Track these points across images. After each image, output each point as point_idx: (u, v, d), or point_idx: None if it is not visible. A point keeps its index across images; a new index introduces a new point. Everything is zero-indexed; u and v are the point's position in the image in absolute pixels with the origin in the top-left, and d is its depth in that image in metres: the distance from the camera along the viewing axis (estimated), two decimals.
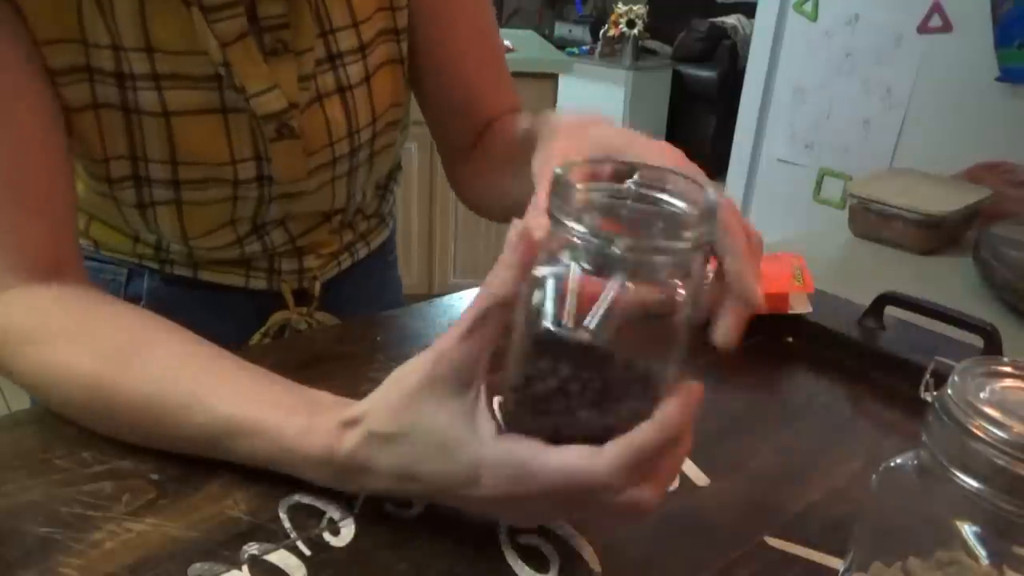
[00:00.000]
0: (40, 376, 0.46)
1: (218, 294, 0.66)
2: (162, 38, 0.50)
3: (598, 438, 0.33)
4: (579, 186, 0.33)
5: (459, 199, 0.72)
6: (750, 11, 2.80)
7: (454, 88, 0.66)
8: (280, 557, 0.38)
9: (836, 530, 0.43)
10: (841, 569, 0.36)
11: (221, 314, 0.65)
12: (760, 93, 2.23)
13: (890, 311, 0.63)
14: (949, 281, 0.93)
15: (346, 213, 0.69)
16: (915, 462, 0.31)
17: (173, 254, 0.64)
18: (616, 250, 0.30)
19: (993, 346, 0.57)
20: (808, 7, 2.06)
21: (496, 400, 0.36)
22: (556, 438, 0.34)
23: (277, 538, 0.39)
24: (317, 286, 0.69)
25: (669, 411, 0.32)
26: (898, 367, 0.59)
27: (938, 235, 1.02)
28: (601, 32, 4.22)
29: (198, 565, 0.37)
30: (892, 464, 0.32)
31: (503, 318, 0.34)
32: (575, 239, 0.31)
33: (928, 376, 0.32)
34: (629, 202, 0.34)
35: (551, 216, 0.32)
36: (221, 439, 0.41)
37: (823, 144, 2.11)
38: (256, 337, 0.67)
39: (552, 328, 0.32)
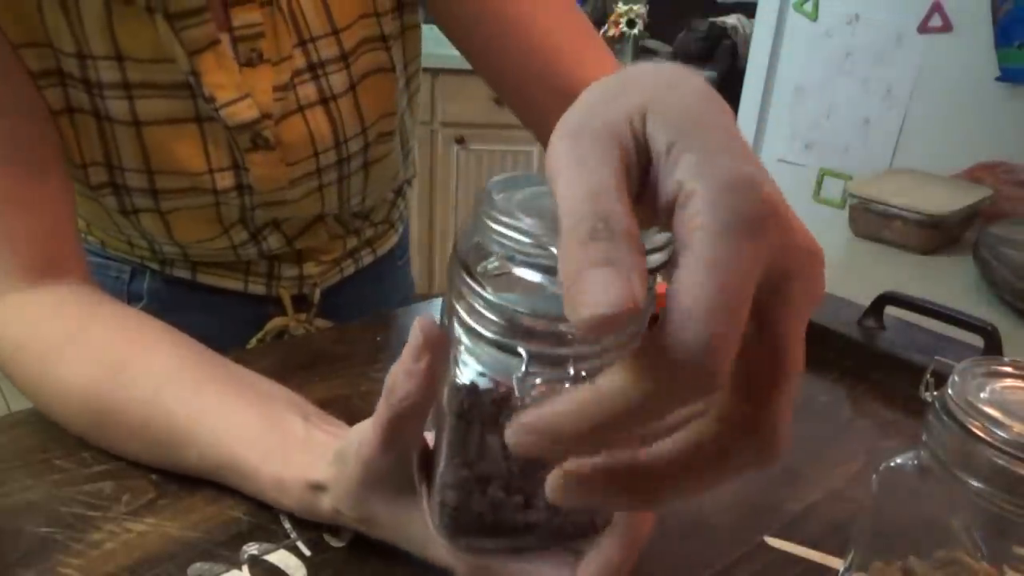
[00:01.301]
0: (35, 389, 0.45)
1: (217, 297, 0.66)
2: (131, 46, 0.49)
3: (554, 530, 0.31)
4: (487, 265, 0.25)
5: None
6: (750, 11, 2.80)
7: (546, 68, 0.57)
8: (280, 557, 0.38)
9: (836, 530, 0.43)
10: (841, 569, 0.36)
11: (220, 317, 0.65)
12: (760, 93, 2.23)
13: (890, 311, 0.63)
14: (949, 281, 0.93)
15: (341, 217, 0.68)
16: (915, 462, 0.31)
17: (170, 255, 0.63)
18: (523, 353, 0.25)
19: (993, 346, 0.57)
20: (808, 7, 2.06)
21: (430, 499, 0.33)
22: (512, 541, 0.31)
23: (277, 538, 0.39)
24: (317, 293, 0.68)
25: (632, 522, 0.29)
26: (898, 367, 0.59)
27: (938, 235, 1.02)
28: (601, 32, 4.22)
29: (198, 565, 0.37)
30: (892, 464, 0.32)
31: (417, 426, 0.31)
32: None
33: (928, 376, 0.32)
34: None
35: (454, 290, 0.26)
36: (209, 472, 0.41)
37: (823, 144, 2.11)
38: (253, 342, 0.67)
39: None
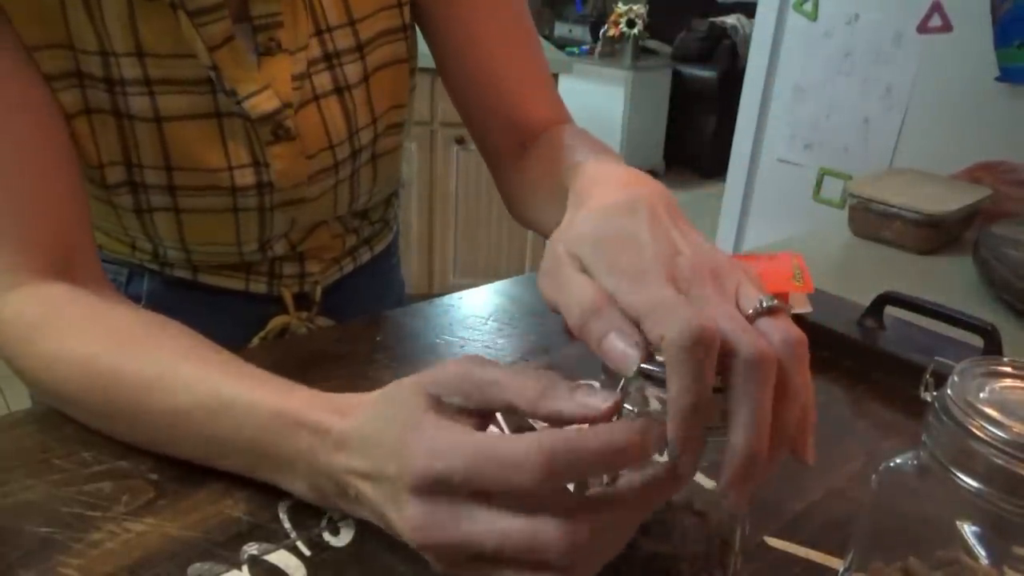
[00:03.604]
0: (48, 365, 0.46)
1: (218, 297, 0.66)
2: (152, 42, 0.50)
3: None
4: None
5: (509, 211, 0.68)
6: (750, 11, 2.80)
7: (488, 92, 0.62)
8: (280, 557, 0.38)
9: (836, 530, 0.43)
10: (841, 569, 0.36)
11: (221, 317, 0.64)
12: (760, 93, 2.23)
13: (890, 311, 0.63)
14: (949, 281, 0.93)
15: (347, 217, 0.69)
16: (915, 462, 0.31)
17: (172, 259, 0.63)
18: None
19: (993, 346, 0.57)
20: (808, 7, 2.06)
21: None
22: None
23: (277, 538, 0.39)
24: (318, 291, 0.69)
25: (622, 424, 0.29)
26: (898, 367, 0.59)
27: (938, 235, 1.02)
28: (601, 32, 4.22)
29: (198, 565, 0.37)
30: (892, 464, 0.32)
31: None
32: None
33: (928, 376, 0.32)
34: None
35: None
36: (215, 415, 0.40)
37: (823, 144, 2.11)
38: (255, 341, 0.67)
39: None
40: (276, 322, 0.67)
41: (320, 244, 0.67)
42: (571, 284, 0.33)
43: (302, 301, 0.69)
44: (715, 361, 0.28)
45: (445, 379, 0.33)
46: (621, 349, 0.30)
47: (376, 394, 0.36)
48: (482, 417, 0.33)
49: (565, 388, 0.31)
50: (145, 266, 0.65)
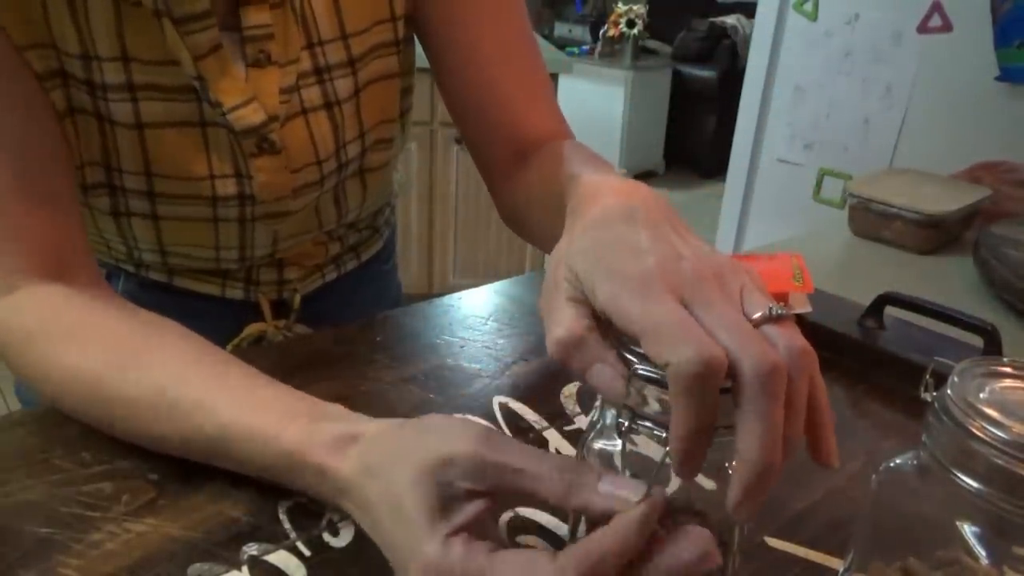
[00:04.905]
0: (45, 375, 0.46)
1: (193, 301, 0.65)
2: (138, 47, 0.49)
3: None
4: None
5: (505, 223, 0.66)
6: (750, 11, 2.80)
7: (488, 104, 0.61)
8: (280, 557, 0.38)
9: (836, 530, 0.43)
10: (841, 569, 0.36)
11: (196, 322, 0.63)
12: (760, 93, 2.23)
13: (890, 311, 0.63)
14: (949, 281, 0.93)
15: (335, 229, 0.68)
16: (915, 462, 0.31)
17: (147, 261, 0.62)
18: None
19: (993, 346, 0.57)
20: (808, 7, 2.06)
21: None
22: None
23: (277, 538, 0.39)
24: (297, 298, 0.67)
25: (628, 518, 0.29)
26: (898, 367, 0.59)
27: (938, 235, 1.02)
28: (601, 32, 4.21)
29: (198, 565, 0.37)
30: (892, 464, 0.32)
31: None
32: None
33: (928, 376, 0.32)
34: None
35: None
36: (219, 443, 0.40)
37: (823, 144, 2.12)
38: (228, 348, 0.66)
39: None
40: (251, 329, 0.66)
41: (301, 251, 0.66)
42: (555, 312, 0.33)
43: (281, 307, 0.67)
44: (720, 385, 0.27)
45: (462, 464, 0.32)
46: (605, 380, 0.31)
47: (375, 435, 0.36)
48: (492, 496, 0.32)
49: (592, 479, 0.31)
50: (120, 267, 0.64)
